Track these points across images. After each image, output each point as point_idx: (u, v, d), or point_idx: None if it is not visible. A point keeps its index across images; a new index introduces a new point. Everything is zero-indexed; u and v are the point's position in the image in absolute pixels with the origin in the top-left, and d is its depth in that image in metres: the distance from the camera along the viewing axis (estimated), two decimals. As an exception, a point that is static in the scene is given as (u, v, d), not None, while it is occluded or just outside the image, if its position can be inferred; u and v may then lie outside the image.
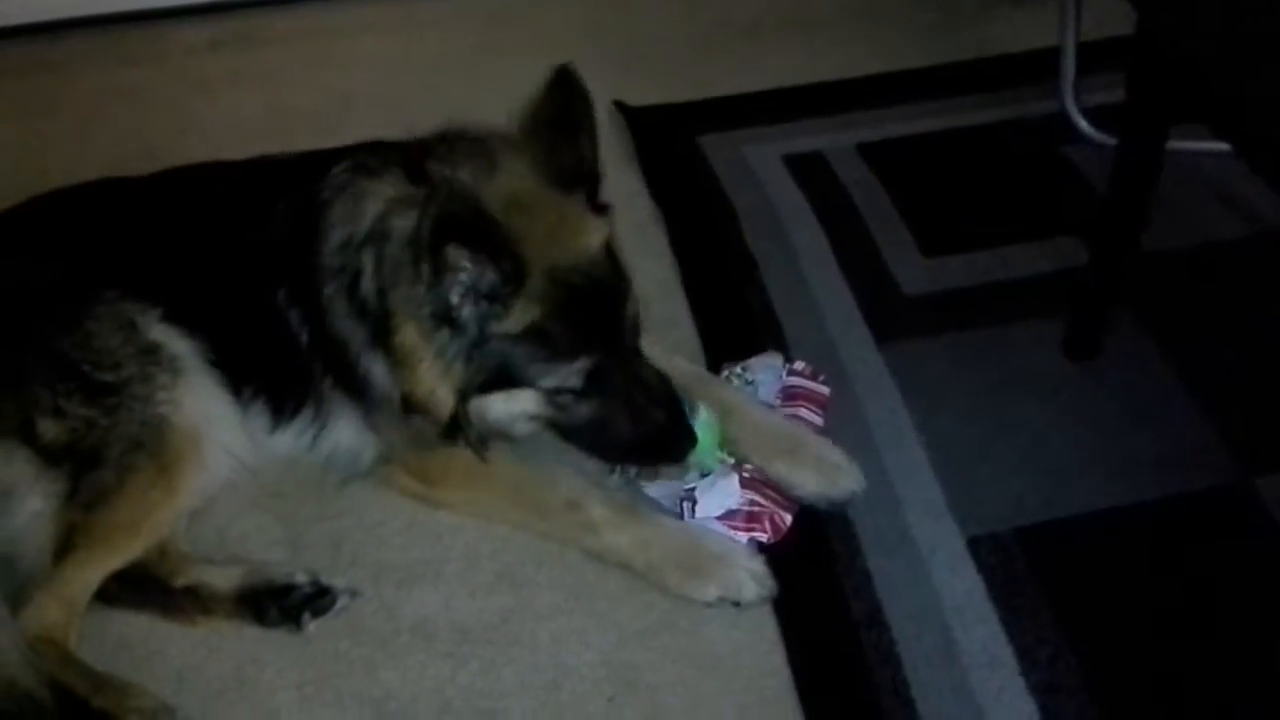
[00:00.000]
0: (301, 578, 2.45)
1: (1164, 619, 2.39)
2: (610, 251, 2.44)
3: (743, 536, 2.49)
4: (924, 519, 2.59)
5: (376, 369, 2.55)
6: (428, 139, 2.58)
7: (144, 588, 2.46)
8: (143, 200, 2.81)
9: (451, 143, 2.54)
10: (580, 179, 2.42)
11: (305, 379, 2.67)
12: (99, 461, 2.42)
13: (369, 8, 4.57)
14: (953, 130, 3.75)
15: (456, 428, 2.47)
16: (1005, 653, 2.33)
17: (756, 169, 3.65)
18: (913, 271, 3.26)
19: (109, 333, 2.52)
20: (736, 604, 2.43)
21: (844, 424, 2.80)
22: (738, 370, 2.82)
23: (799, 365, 2.85)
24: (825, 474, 2.58)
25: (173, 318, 2.60)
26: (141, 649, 2.42)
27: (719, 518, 2.50)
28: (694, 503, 2.53)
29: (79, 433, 2.43)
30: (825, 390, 2.80)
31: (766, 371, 2.82)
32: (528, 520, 2.59)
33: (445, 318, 2.33)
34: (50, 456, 2.42)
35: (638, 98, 3.89)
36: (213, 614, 2.44)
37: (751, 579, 2.43)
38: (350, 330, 2.56)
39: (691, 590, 2.44)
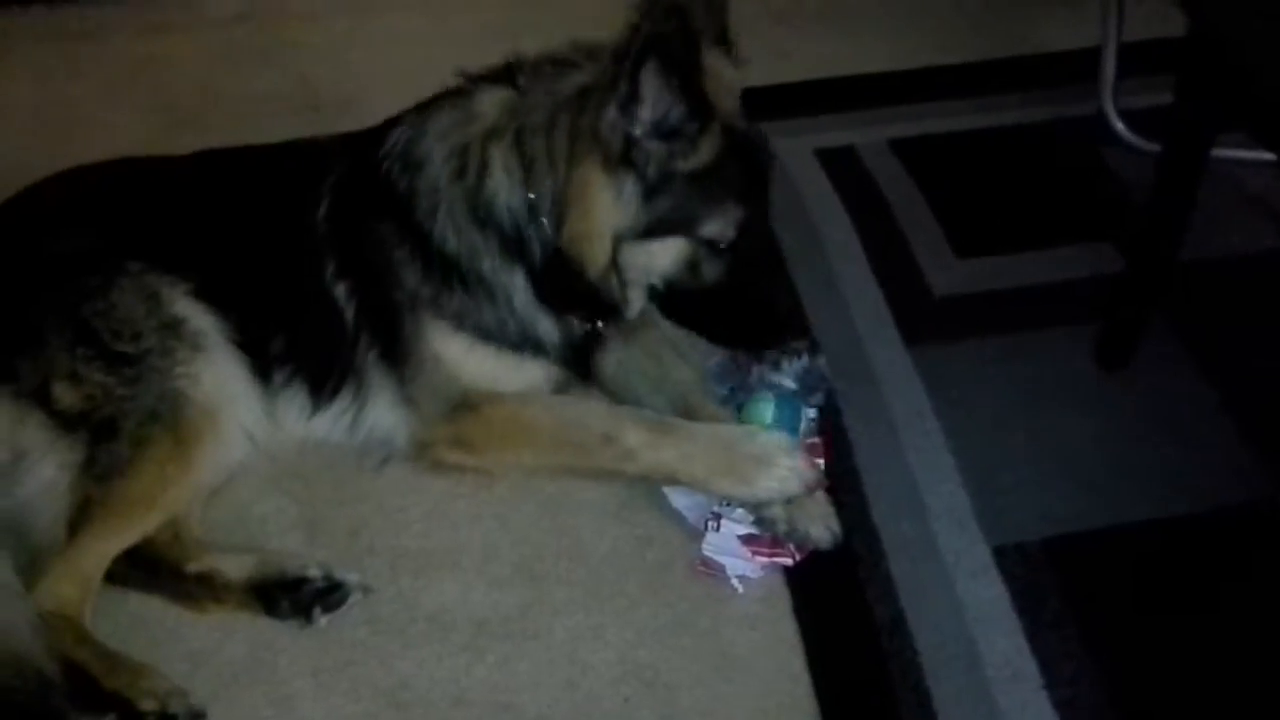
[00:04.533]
0: (314, 571, 2.42)
1: (1192, 636, 2.35)
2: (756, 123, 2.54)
3: (765, 560, 2.46)
4: (950, 526, 2.55)
5: (515, 279, 2.57)
6: (498, 68, 2.59)
7: (156, 571, 2.43)
8: (177, 177, 2.80)
9: (538, 62, 2.55)
10: (721, 34, 2.49)
11: (347, 356, 2.66)
12: (115, 432, 2.40)
13: (398, -15, 4.54)
14: (988, 129, 3.70)
15: (584, 290, 2.51)
16: (1029, 665, 2.30)
17: (787, 162, 3.59)
18: (945, 272, 3.21)
19: (132, 304, 2.51)
20: (789, 501, 2.43)
21: (869, 427, 2.77)
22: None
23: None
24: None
25: (202, 294, 2.58)
26: (157, 629, 2.40)
27: (743, 539, 2.46)
28: (719, 521, 2.49)
29: (95, 400, 2.41)
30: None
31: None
32: (571, 463, 2.57)
33: (624, 155, 2.35)
34: (65, 423, 2.40)
35: (668, 86, 3.84)
36: (224, 602, 2.41)
37: (795, 474, 2.41)
38: (475, 242, 2.55)
39: (741, 492, 2.43)
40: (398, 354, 2.62)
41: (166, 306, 2.54)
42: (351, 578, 2.44)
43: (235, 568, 2.43)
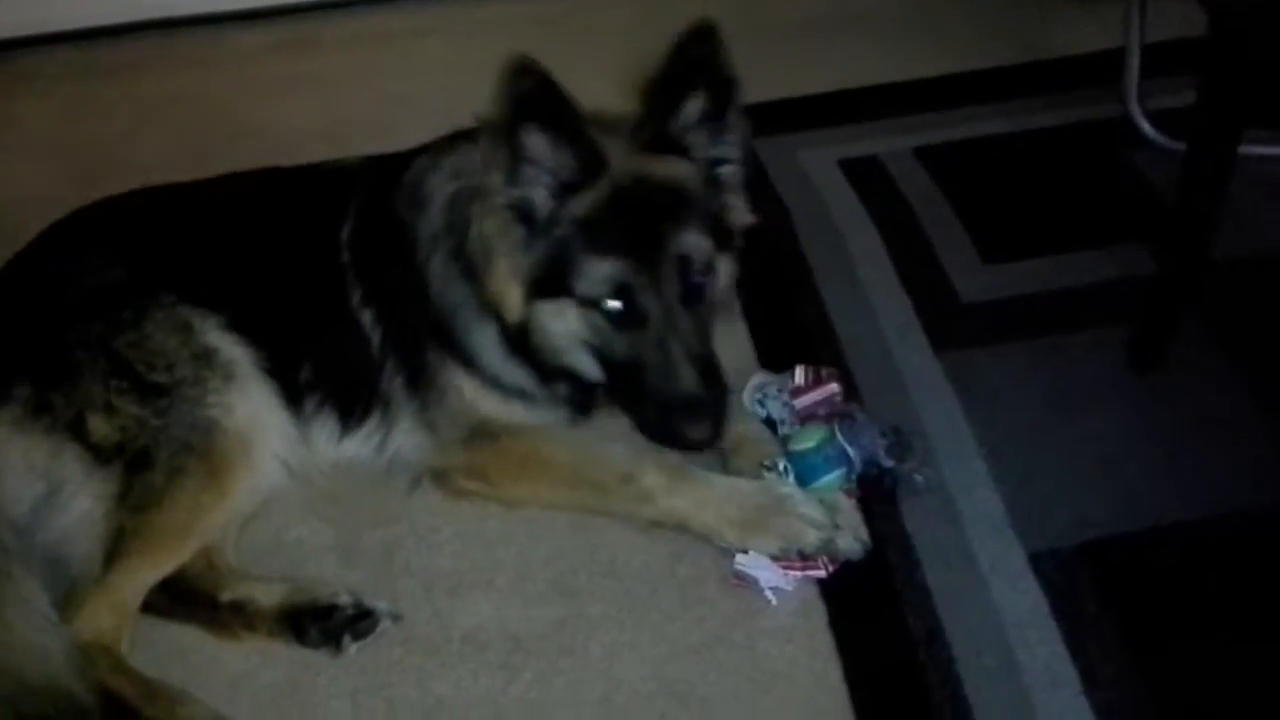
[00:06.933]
0: (345, 599, 2.43)
1: (1232, 639, 2.32)
2: (683, 194, 2.42)
3: (798, 573, 2.45)
4: (985, 533, 2.53)
5: (486, 337, 2.58)
6: None
7: (190, 600, 2.45)
8: (206, 206, 2.84)
9: None
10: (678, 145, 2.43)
11: (374, 381, 2.68)
12: (149, 463, 2.43)
13: (424, 13, 4.59)
14: (1013, 134, 3.69)
15: (529, 345, 2.49)
16: (1068, 671, 2.27)
17: (811, 173, 3.61)
18: (972, 278, 3.20)
19: (165, 335, 2.54)
20: (802, 553, 2.40)
21: (901, 434, 2.75)
22: (757, 397, 2.77)
23: (798, 379, 2.77)
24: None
25: (233, 325, 2.62)
26: (196, 656, 2.42)
27: (774, 556, 2.45)
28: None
29: (130, 432, 2.44)
30: (836, 386, 2.73)
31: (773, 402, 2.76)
32: (587, 501, 2.59)
33: (523, 212, 2.37)
34: (100, 455, 2.43)
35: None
36: (256, 630, 2.43)
37: (810, 526, 2.40)
38: (460, 298, 2.58)
39: (752, 544, 2.42)
40: (420, 380, 2.65)
41: (199, 337, 2.58)
42: (381, 605, 2.45)
43: (267, 595, 2.45)
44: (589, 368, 2.52)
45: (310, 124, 3.99)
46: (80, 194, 2.94)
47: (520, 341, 2.53)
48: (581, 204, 2.37)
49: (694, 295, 2.43)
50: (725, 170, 2.51)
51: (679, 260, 2.39)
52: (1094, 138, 3.64)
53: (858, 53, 4.15)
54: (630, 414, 2.50)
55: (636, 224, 2.38)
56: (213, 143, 3.91)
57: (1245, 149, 2.73)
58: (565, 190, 2.37)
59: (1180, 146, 3.20)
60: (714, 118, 2.44)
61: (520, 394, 2.64)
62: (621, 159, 2.39)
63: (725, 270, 2.54)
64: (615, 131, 2.42)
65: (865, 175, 3.58)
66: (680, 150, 2.44)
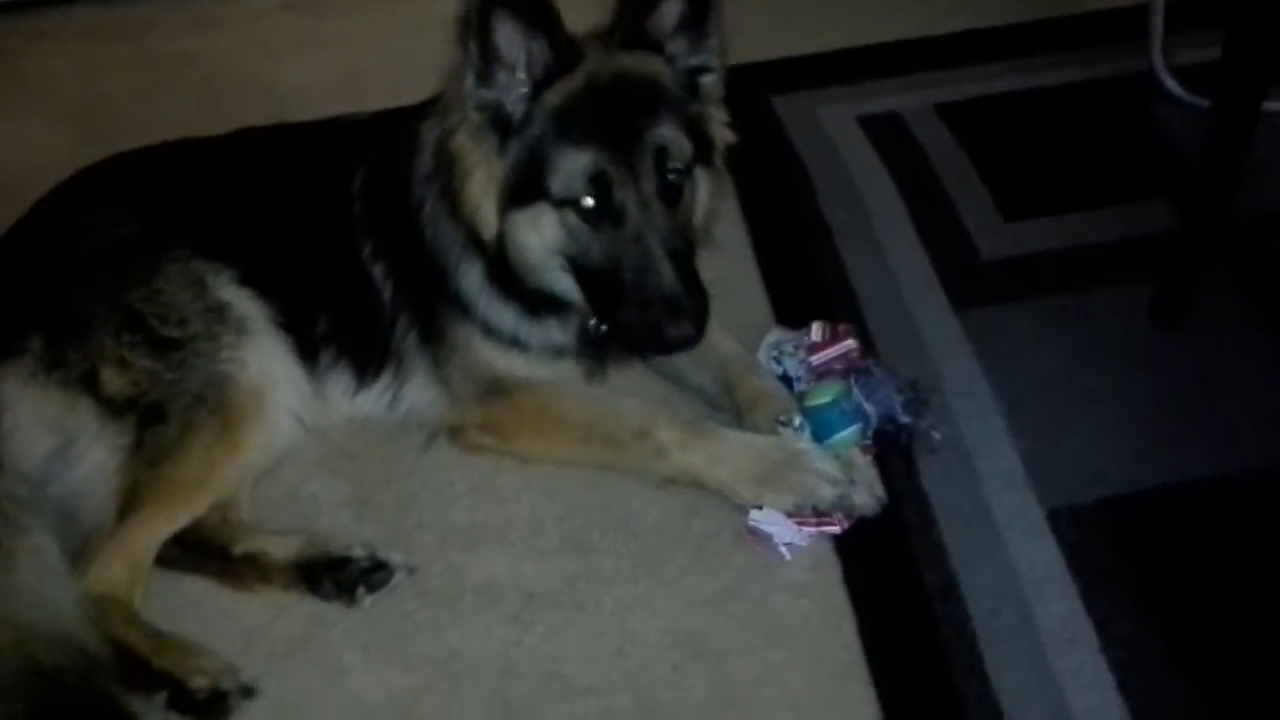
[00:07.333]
0: (359, 551, 2.43)
1: (1249, 594, 2.30)
2: (659, 88, 2.39)
3: (813, 529, 2.43)
4: (1002, 490, 2.51)
5: (472, 277, 2.55)
6: None
7: (204, 554, 2.46)
8: (219, 161, 2.82)
9: None
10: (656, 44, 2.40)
11: (387, 337, 2.67)
12: (163, 416, 2.43)
13: (438, -31, 4.53)
14: (1035, 90, 3.65)
15: (509, 270, 2.46)
16: (1085, 628, 2.26)
17: (830, 130, 3.57)
18: (992, 235, 3.17)
19: (178, 289, 2.53)
20: (817, 509, 2.38)
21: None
22: (773, 354, 2.74)
23: (815, 335, 2.73)
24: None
25: (246, 279, 2.60)
26: (210, 609, 2.43)
27: (788, 512, 2.43)
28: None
29: (142, 385, 2.44)
30: (853, 342, 2.70)
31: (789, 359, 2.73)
32: (601, 456, 2.57)
33: (496, 118, 2.34)
34: (113, 408, 2.43)
35: (708, 58, 3.81)
36: (270, 583, 2.43)
37: (825, 481, 2.38)
38: (449, 238, 2.55)
39: (767, 500, 2.41)
40: (432, 336, 2.64)
41: (212, 291, 2.57)
42: (396, 558, 2.44)
43: (281, 548, 2.45)
44: (567, 286, 2.47)
45: (323, 82, 3.96)
46: (91, 155, 2.92)
47: (501, 269, 2.49)
48: (556, 95, 2.34)
49: (672, 193, 2.38)
50: (706, 80, 2.48)
51: (656, 153, 2.35)
52: (1117, 93, 3.59)
53: (878, 8, 4.09)
54: (610, 325, 2.46)
55: (612, 115, 2.34)
56: (225, 102, 3.88)
57: (1270, 105, 2.69)
58: (539, 88, 2.33)
59: (1205, 102, 3.17)
60: (693, 25, 2.41)
61: (520, 344, 2.61)
62: (597, 54, 2.36)
63: (705, 191, 2.50)
64: (590, 37, 2.40)
65: (885, 132, 3.54)
66: (657, 50, 2.41)
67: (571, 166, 2.33)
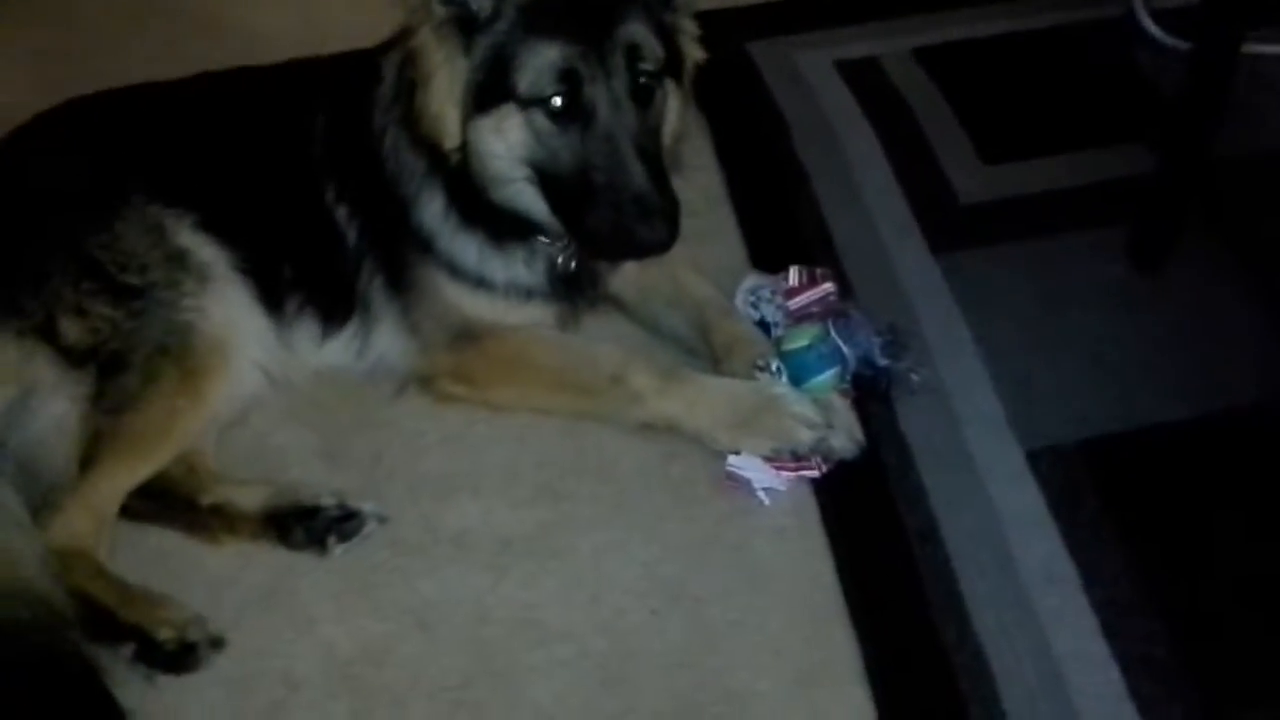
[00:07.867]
0: (329, 500, 2.38)
1: (1229, 533, 2.29)
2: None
3: (791, 473, 2.40)
4: (982, 433, 2.49)
5: (434, 206, 2.49)
6: None
7: (170, 505, 2.40)
8: (178, 105, 2.74)
9: None
10: None
11: (352, 282, 2.61)
12: (124, 366, 2.36)
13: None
14: (1015, 34, 3.60)
15: (471, 187, 2.40)
16: (1066, 568, 2.24)
17: (808, 75, 3.51)
18: (971, 179, 3.13)
19: (136, 236, 2.46)
20: (795, 453, 2.35)
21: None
22: (750, 300, 2.69)
23: (792, 279, 2.68)
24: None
25: (207, 225, 2.53)
26: (178, 561, 2.38)
27: (766, 457, 2.40)
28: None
29: (102, 334, 2.37)
30: (830, 286, 2.66)
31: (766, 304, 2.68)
32: (575, 403, 2.53)
33: (461, 20, 2.27)
34: (73, 358, 2.36)
35: (683, 3, 3.75)
36: (238, 533, 2.38)
37: (803, 425, 2.35)
38: (409, 169, 2.49)
39: (745, 445, 2.37)
40: (400, 282, 2.58)
41: (171, 238, 2.50)
42: (367, 507, 2.40)
43: (249, 498, 2.40)
44: (532, 200, 2.41)
45: (288, 30, 3.86)
46: (52, 102, 2.84)
47: (463, 188, 2.42)
48: None
49: (644, 94, 2.32)
50: None
51: (628, 50, 2.29)
52: (1098, 37, 3.55)
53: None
54: (578, 234, 2.38)
55: (584, 10, 2.28)
56: (193, 51, 3.76)
57: (1250, 48, 2.66)
58: None
59: (1185, 45, 3.14)
60: None
61: (487, 283, 2.55)
62: None
63: (675, 109, 2.45)
64: None
65: (863, 77, 3.49)
66: None
67: (540, 62, 2.26)
